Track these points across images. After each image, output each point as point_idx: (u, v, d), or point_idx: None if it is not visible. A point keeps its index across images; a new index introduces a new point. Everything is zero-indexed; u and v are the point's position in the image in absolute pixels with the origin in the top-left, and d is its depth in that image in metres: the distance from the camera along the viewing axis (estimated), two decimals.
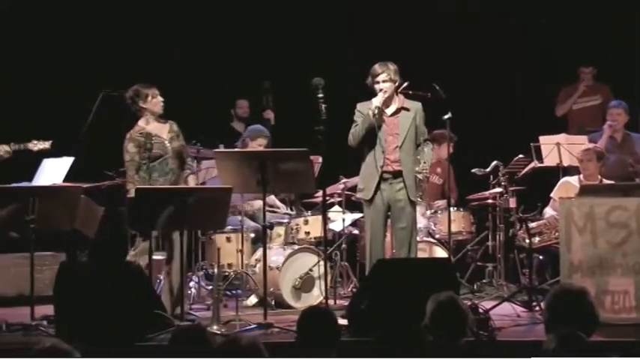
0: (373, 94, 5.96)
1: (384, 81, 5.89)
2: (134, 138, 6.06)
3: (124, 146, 6.07)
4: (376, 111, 5.85)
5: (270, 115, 8.11)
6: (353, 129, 5.96)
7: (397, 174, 5.94)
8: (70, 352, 3.07)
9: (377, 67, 5.92)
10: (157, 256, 6.24)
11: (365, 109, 5.93)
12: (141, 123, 6.13)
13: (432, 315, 3.71)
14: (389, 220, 6.08)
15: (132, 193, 5.87)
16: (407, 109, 5.97)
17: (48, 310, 5.67)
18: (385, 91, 5.89)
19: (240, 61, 8.69)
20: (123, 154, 6.07)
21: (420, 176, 5.97)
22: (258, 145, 7.08)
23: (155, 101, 6.13)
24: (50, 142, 6.27)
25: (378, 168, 5.90)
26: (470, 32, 8.61)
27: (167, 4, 8.64)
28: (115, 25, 8.46)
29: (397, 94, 6.01)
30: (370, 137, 5.91)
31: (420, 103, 6.05)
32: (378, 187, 5.92)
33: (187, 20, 8.70)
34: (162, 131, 6.14)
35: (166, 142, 6.11)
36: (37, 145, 6.23)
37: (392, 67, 5.92)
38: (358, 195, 6.21)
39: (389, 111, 5.99)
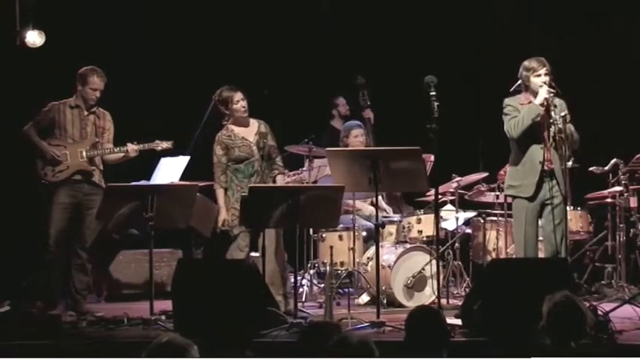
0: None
1: (545, 74, 5.85)
2: (221, 140, 6.18)
3: (213, 148, 6.19)
4: (545, 102, 5.77)
5: (369, 114, 7.96)
6: (512, 120, 5.87)
7: (552, 172, 5.83)
8: (186, 346, 3.13)
9: (535, 62, 5.88)
10: (254, 254, 6.32)
11: (515, 104, 5.90)
12: (228, 125, 6.23)
13: (548, 315, 3.61)
14: None
15: (219, 195, 6.08)
16: (556, 107, 5.86)
17: (166, 305, 5.83)
18: (549, 84, 5.82)
19: (335, 57, 8.57)
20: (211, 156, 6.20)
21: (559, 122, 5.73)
22: (354, 137, 7.07)
23: (237, 106, 6.20)
24: (172, 142, 6.46)
25: (538, 165, 5.81)
26: (591, 30, 8.39)
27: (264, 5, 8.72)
28: (230, 27, 8.61)
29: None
30: (530, 133, 5.83)
31: (563, 101, 5.93)
32: (538, 185, 5.83)
33: (278, 19, 8.68)
34: (249, 133, 6.23)
35: (252, 144, 6.19)
36: (160, 145, 6.43)
37: (547, 63, 5.91)
38: (510, 192, 6.03)
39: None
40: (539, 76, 5.85)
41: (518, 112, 5.86)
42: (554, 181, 5.81)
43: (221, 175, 6.15)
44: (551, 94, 5.77)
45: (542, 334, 3.58)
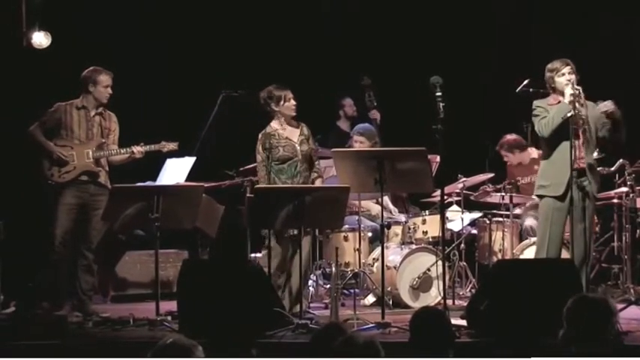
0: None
1: (569, 73, 5.85)
2: (265, 140, 6.15)
3: (256, 147, 6.15)
4: (572, 98, 5.74)
5: (375, 114, 7.94)
6: (542, 120, 5.85)
7: (583, 171, 5.81)
8: (191, 347, 3.14)
9: (559, 62, 5.89)
10: None
11: (544, 105, 5.90)
12: (273, 124, 6.18)
13: (575, 304, 3.53)
14: None
15: None
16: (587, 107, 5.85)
17: (172, 305, 5.84)
18: (574, 82, 5.81)
19: (339, 57, 8.53)
20: (255, 155, 6.15)
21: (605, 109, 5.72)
22: (354, 142, 7.06)
23: (288, 105, 6.14)
24: (177, 143, 6.47)
25: (569, 165, 5.74)
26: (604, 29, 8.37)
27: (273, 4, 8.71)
28: (231, 27, 8.60)
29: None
30: (561, 132, 5.80)
31: (594, 104, 5.92)
32: (569, 185, 5.79)
33: (278, 18, 8.66)
34: (294, 134, 6.18)
35: (297, 145, 6.15)
36: (166, 146, 6.44)
37: (571, 63, 5.91)
38: (540, 192, 5.96)
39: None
40: (562, 75, 5.86)
41: (547, 113, 5.84)
42: (587, 182, 5.79)
43: (266, 175, 6.09)
44: (577, 91, 5.75)
45: (562, 325, 3.52)
